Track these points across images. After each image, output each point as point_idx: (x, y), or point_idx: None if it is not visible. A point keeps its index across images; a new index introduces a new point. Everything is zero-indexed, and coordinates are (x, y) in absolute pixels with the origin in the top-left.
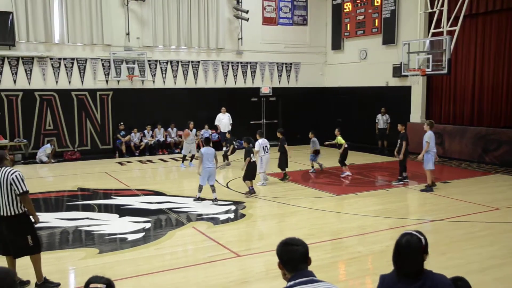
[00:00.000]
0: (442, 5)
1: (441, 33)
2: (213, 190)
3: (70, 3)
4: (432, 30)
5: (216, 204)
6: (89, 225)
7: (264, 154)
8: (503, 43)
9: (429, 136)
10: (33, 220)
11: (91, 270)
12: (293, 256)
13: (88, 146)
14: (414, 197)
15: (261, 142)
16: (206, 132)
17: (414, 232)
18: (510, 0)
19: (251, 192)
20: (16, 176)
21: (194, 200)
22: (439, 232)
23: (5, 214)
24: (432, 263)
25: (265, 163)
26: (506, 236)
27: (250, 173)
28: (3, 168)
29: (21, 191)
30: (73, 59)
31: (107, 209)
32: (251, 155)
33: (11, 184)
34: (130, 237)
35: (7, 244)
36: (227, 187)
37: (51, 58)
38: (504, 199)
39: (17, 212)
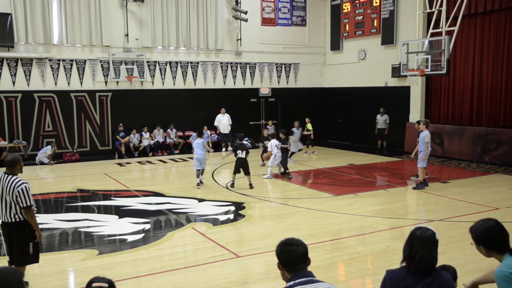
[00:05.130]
0: (441, 5)
1: (440, 33)
2: (201, 173)
3: (69, 4)
4: (431, 30)
5: (198, 187)
6: (88, 226)
7: (278, 151)
8: (502, 43)
9: (429, 136)
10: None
11: (91, 271)
12: (293, 257)
13: (87, 147)
14: (414, 197)
15: (273, 142)
16: (205, 133)
17: (427, 226)
18: (509, 0)
19: (232, 185)
20: (22, 188)
21: (197, 186)
22: (439, 232)
23: (11, 221)
24: None
25: (278, 159)
26: None
27: (236, 168)
28: (11, 176)
29: (24, 205)
30: (72, 60)
31: (106, 210)
32: (238, 151)
33: (16, 196)
34: (130, 238)
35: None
36: (227, 188)
37: (50, 60)
38: (503, 199)
39: (22, 219)
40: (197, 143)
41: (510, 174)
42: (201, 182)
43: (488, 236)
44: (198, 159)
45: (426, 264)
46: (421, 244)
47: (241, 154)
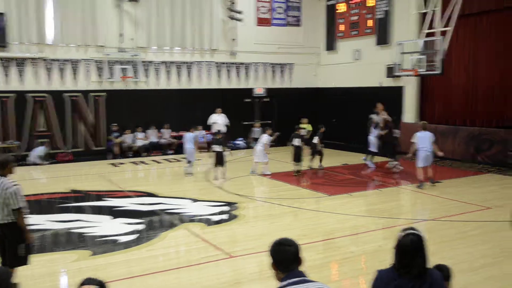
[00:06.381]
0: (435, 6)
1: (434, 34)
2: (190, 165)
3: (63, 4)
4: (425, 31)
5: (188, 175)
6: (81, 227)
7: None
8: (495, 44)
9: (416, 137)
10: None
11: (83, 272)
12: (286, 257)
13: (81, 148)
14: (407, 197)
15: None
16: (199, 133)
17: (413, 230)
18: (503, 1)
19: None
20: (13, 191)
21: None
22: (431, 231)
23: (3, 222)
24: None
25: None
26: (497, 235)
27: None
28: (2, 178)
29: (15, 207)
30: (66, 60)
31: (99, 211)
32: (214, 146)
33: (7, 198)
34: (123, 238)
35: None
36: (221, 188)
37: (44, 59)
38: (496, 198)
39: (14, 220)
40: (188, 138)
41: (503, 174)
42: (190, 173)
43: None
44: (188, 152)
45: (416, 272)
46: (409, 254)
47: (218, 148)
